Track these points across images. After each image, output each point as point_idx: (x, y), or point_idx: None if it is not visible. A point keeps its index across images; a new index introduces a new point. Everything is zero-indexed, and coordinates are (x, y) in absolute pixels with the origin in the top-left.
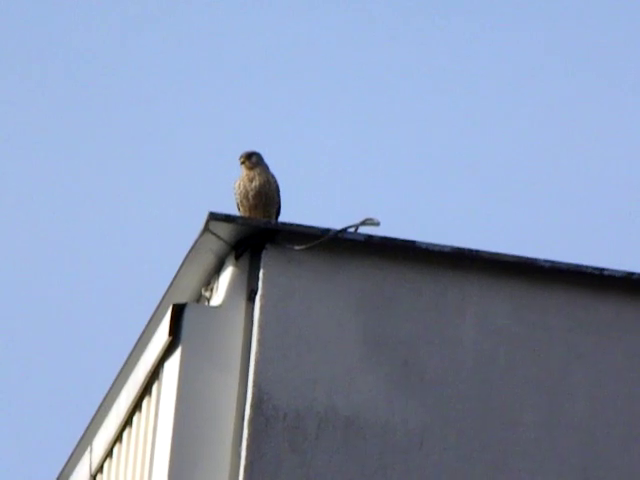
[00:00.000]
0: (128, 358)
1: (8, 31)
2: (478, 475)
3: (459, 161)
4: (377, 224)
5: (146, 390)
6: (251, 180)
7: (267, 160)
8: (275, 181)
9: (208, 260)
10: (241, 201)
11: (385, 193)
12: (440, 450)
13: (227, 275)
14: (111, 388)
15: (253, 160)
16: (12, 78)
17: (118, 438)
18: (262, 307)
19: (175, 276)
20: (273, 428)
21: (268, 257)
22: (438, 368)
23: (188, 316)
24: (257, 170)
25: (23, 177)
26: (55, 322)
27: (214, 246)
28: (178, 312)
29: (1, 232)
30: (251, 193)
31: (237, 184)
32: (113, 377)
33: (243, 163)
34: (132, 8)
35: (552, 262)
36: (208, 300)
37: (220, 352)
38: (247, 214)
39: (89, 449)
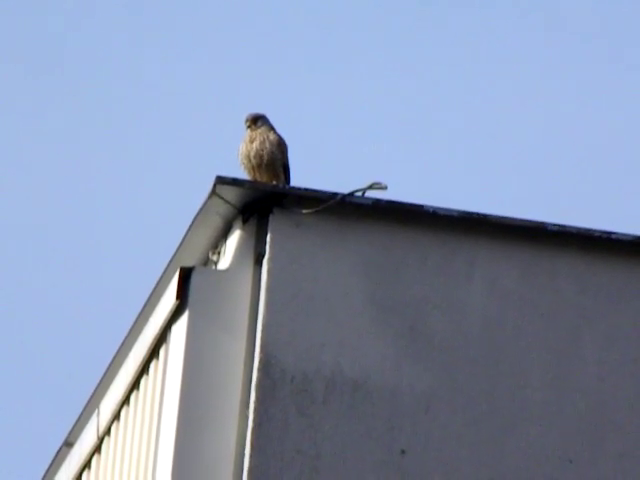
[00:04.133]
0: (135, 322)
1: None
2: (485, 439)
3: (467, 125)
4: (384, 188)
5: (154, 353)
6: (252, 141)
7: (274, 123)
8: (277, 139)
9: (215, 224)
10: (243, 162)
11: (392, 157)
12: (447, 414)
13: (234, 239)
14: (118, 351)
15: (259, 124)
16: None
17: (126, 401)
18: (269, 270)
19: (183, 240)
20: (280, 391)
21: (275, 221)
22: (446, 332)
23: (195, 280)
24: (259, 131)
25: (36, 151)
26: (64, 285)
27: (221, 210)
28: (185, 276)
29: (18, 199)
30: (252, 153)
31: (240, 146)
32: (120, 340)
33: (249, 127)
34: None
35: (560, 226)
36: (215, 264)
37: (227, 315)
38: (250, 175)
39: (96, 412)
